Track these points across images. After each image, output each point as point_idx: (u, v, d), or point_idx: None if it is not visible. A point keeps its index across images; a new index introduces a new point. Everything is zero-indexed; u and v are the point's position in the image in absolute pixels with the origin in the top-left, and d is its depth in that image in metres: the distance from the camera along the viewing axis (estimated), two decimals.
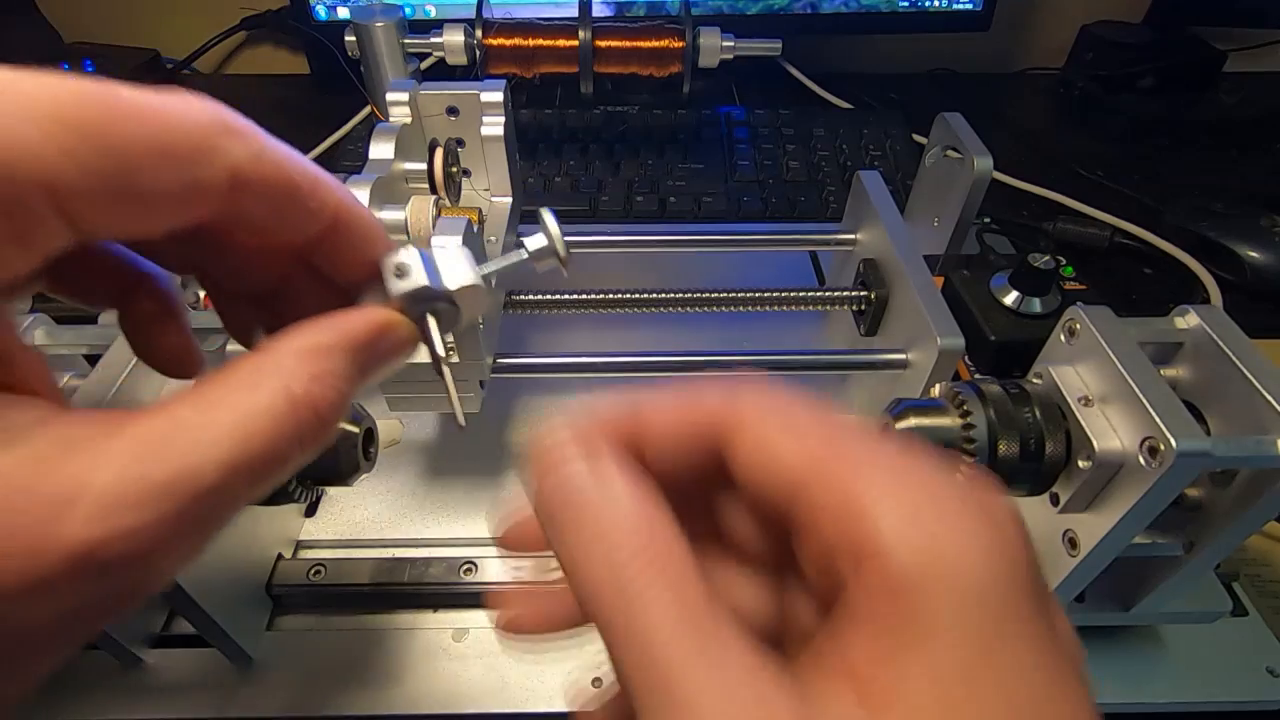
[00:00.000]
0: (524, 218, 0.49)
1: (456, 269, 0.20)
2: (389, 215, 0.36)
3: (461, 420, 0.23)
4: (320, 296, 0.20)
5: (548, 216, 0.22)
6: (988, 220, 0.62)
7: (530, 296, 0.41)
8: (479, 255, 0.27)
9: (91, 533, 0.13)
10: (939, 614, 0.13)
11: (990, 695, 0.13)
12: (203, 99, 0.16)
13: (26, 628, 0.13)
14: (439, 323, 0.21)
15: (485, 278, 0.21)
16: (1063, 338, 0.32)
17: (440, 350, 0.21)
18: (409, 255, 0.20)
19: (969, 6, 0.78)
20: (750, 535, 0.18)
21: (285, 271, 0.20)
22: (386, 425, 0.45)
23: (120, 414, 0.15)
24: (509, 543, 0.19)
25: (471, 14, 0.59)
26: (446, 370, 0.22)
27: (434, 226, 0.35)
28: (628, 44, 0.61)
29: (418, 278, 0.19)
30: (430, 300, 0.20)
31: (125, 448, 0.14)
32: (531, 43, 0.60)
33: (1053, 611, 0.14)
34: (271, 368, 0.16)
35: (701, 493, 0.18)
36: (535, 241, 0.23)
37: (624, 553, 0.14)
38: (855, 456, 0.15)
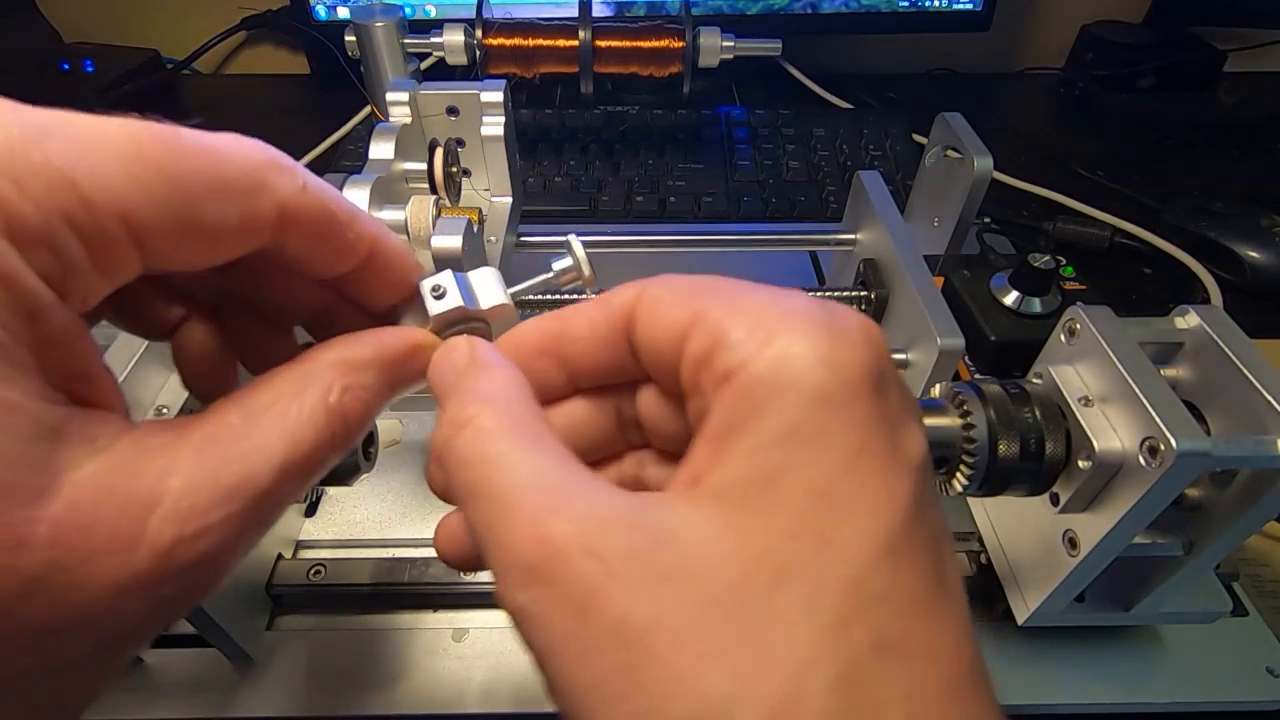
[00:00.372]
0: (524, 218, 0.49)
1: (488, 290, 0.22)
2: (389, 215, 0.36)
3: None
4: (353, 322, 0.21)
5: (575, 243, 0.24)
6: (988, 220, 0.62)
7: (534, 296, 0.41)
8: (480, 256, 0.27)
9: (173, 533, 0.14)
10: (768, 406, 0.15)
11: (793, 479, 0.14)
12: (252, 139, 0.17)
13: (121, 623, 0.14)
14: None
15: (514, 297, 0.23)
16: (1063, 338, 0.32)
17: None
18: (445, 278, 0.21)
19: (969, 6, 0.78)
20: (669, 427, 0.20)
21: (319, 302, 0.21)
22: (386, 425, 0.45)
23: (181, 422, 0.16)
24: (440, 544, 0.20)
25: (471, 14, 0.59)
26: None
27: (434, 226, 0.35)
28: (628, 44, 0.61)
29: (454, 298, 0.21)
30: (466, 320, 0.21)
31: (192, 454, 0.15)
32: (531, 43, 0.60)
33: (898, 420, 0.15)
34: (314, 378, 0.18)
35: (629, 393, 0.20)
36: (562, 264, 0.25)
37: (469, 395, 0.17)
38: (727, 302, 0.16)
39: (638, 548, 0.14)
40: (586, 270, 0.24)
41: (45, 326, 0.14)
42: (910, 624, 0.14)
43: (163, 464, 0.15)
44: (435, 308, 0.21)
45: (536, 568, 0.14)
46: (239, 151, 0.17)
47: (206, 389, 0.22)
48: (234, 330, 0.21)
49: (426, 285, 0.21)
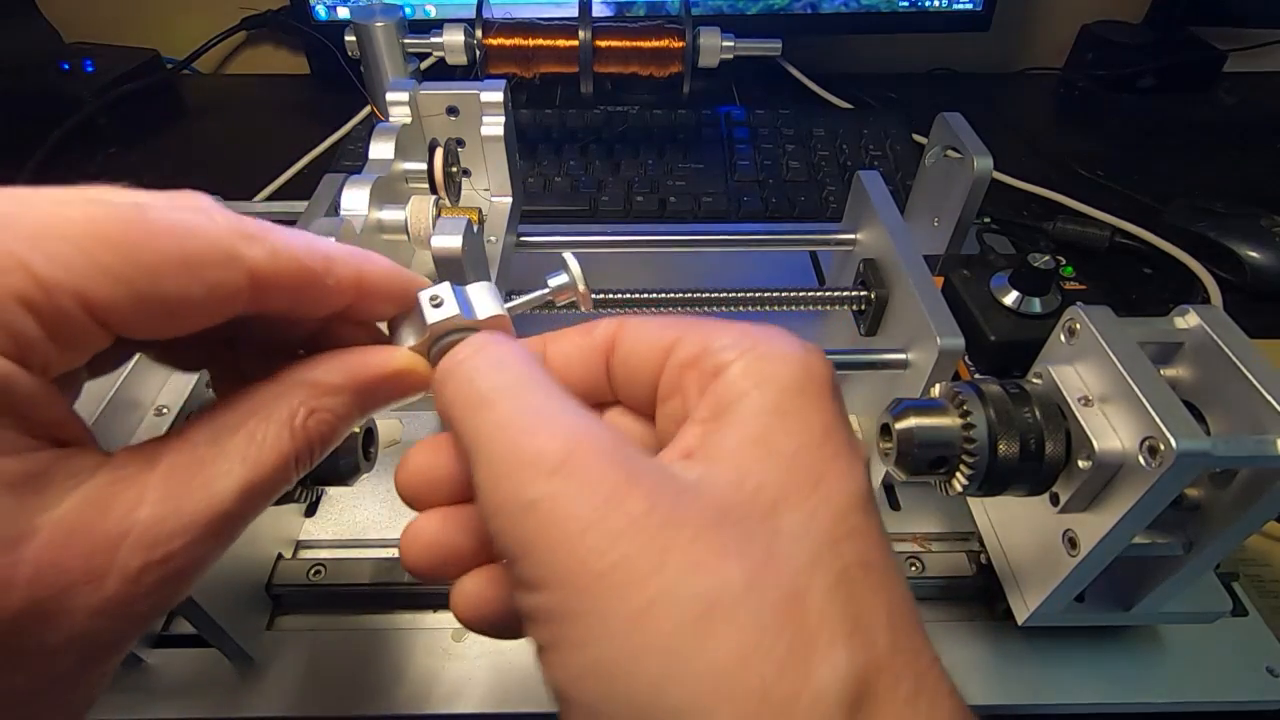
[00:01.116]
0: (524, 218, 0.49)
1: (485, 302, 0.22)
2: (389, 215, 0.36)
3: None
4: (351, 334, 0.22)
5: (570, 259, 0.25)
6: (988, 220, 0.62)
7: (526, 312, 0.41)
8: (480, 256, 0.27)
9: (140, 560, 0.16)
10: (751, 397, 0.18)
11: (782, 439, 0.17)
12: (222, 211, 0.18)
13: (99, 639, 0.16)
14: None
15: (510, 311, 0.23)
16: (1063, 338, 0.32)
17: None
18: (443, 290, 0.22)
19: (969, 6, 0.78)
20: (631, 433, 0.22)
21: (316, 329, 0.22)
22: (386, 425, 0.45)
23: (153, 447, 0.17)
24: (413, 551, 0.21)
25: (471, 14, 0.59)
26: None
27: (434, 226, 0.35)
28: (628, 44, 0.61)
29: (451, 308, 0.21)
30: (463, 330, 0.22)
31: (159, 484, 0.17)
32: (531, 43, 0.60)
33: (847, 423, 0.19)
34: (281, 400, 0.19)
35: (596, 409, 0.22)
36: (557, 280, 0.25)
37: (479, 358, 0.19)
38: (707, 325, 0.19)
39: (654, 467, 0.17)
40: (581, 287, 0.25)
41: (13, 394, 0.15)
42: (882, 555, 0.17)
43: (132, 496, 0.16)
44: (432, 316, 0.21)
45: (566, 460, 0.16)
46: (203, 225, 0.17)
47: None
48: (249, 351, 0.22)
49: (425, 296, 0.22)
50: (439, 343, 0.22)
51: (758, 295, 0.42)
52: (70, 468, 0.16)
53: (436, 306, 0.21)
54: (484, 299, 0.22)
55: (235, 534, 0.18)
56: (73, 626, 0.15)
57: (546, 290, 0.25)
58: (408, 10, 0.75)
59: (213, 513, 0.17)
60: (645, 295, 0.42)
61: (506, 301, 0.23)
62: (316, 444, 0.19)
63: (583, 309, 0.26)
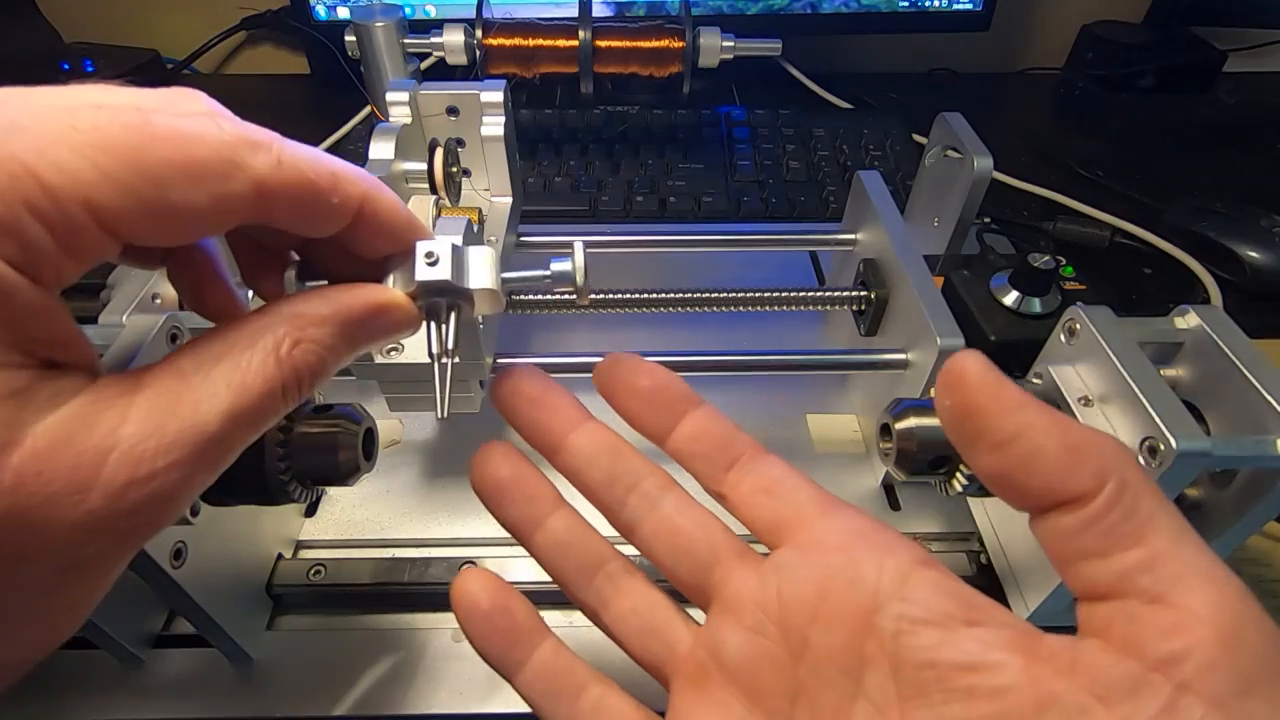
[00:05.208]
0: (524, 218, 0.49)
1: (482, 270, 0.22)
2: None
3: (442, 414, 0.24)
4: (350, 263, 0.22)
5: (579, 249, 0.25)
6: (988, 220, 0.62)
7: (530, 296, 0.41)
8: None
9: (125, 476, 0.16)
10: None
11: None
12: (228, 117, 0.18)
13: (80, 553, 0.16)
14: (457, 315, 0.22)
15: (504, 283, 0.23)
16: (1063, 338, 0.32)
17: (449, 343, 0.22)
18: (442, 246, 0.21)
19: (969, 6, 0.78)
20: None
21: (315, 248, 0.22)
22: (386, 425, 0.45)
23: (139, 373, 0.18)
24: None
25: (471, 14, 0.59)
26: (443, 364, 0.23)
27: (434, 226, 0.35)
28: (628, 44, 0.61)
29: (444, 270, 0.21)
30: (449, 293, 0.21)
31: (144, 403, 0.17)
32: (531, 43, 0.60)
33: None
34: (266, 329, 0.19)
35: None
36: (560, 266, 0.25)
37: None
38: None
39: None
40: (580, 280, 0.25)
41: (13, 305, 0.15)
42: None
43: (117, 414, 0.16)
44: (422, 273, 0.21)
45: None
46: (209, 133, 0.17)
47: (213, 315, 0.22)
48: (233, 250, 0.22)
49: (422, 248, 0.21)
50: (427, 299, 0.21)
51: (758, 295, 0.42)
52: (54, 388, 0.16)
53: (431, 264, 0.21)
54: (481, 266, 0.22)
55: (223, 461, 0.18)
56: (53, 537, 0.16)
57: (548, 273, 0.25)
58: (408, 10, 0.75)
59: (198, 435, 0.17)
60: (645, 295, 0.42)
61: (507, 272, 0.23)
62: (305, 374, 0.19)
63: (579, 302, 0.26)
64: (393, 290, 0.21)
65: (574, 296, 0.25)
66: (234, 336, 0.19)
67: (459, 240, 0.22)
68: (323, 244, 0.21)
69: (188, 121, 0.17)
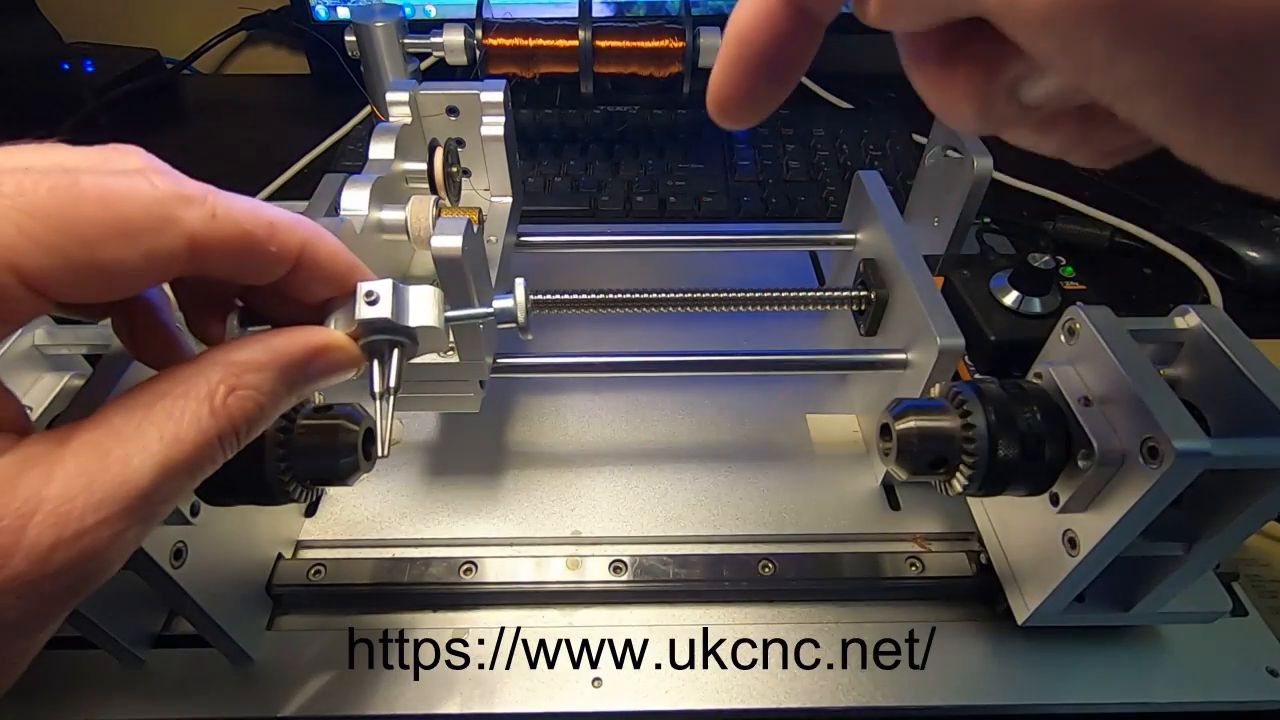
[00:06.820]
0: (524, 218, 0.49)
1: (423, 309, 0.22)
2: (389, 215, 0.36)
3: (384, 451, 0.24)
4: (292, 307, 0.22)
5: (519, 286, 0.25)
6: (988, 220, 0.62)
7: (530, 296, 0.41)
8: (480, 256, 0.27)
9: (50, 538, 0.16)
10: None
11: None
12: (162, 172, 0.18)
13: (6, 620, 0.16)
14: (400, 353, 0.23)
15: (447, 322, 0.23)
16: (1063, 338, 0.32)
17: (391, 382, 0.23)
18: (382, 286, 0.21)
19: None
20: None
21: (257, 293, 0.22)
22: None
23: (68, 429, 0.17)
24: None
25: (471, 14, 0.59)
26: (386, 402, 0.23)
27: (434, 226, 0.35)
28: (628, 44, 0.61)
29: (384, 309, 0.21)
30: (389, 331, 0.22)
31: (72, 460, 0.16)
32: (531, 43, 0.60)
33: None
34: (199, 378, 0.18)
35: None
36: (503, 303, 0.25)
37: None
38: None
39: None
40: (522, 317, 0.25)
41: None
42: None
43: (42, 473, 0.16)
44: (363, 312, 0.21)
45: None
46: (140, 190, 0.17)
47: (156, 361, 0.22)
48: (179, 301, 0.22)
49: (363, 288, 0.21)
50: (368, 340, 0.22)
51: (758, 295, 0.42)
52: None
53: (371, 303, 0.21)
54: (423, 305, 0.22)
55: (157, 514, 0.18)
56: None
57: (490, 310, 0.25)
58: (408, 10, 0.75)
59: (129, 491, 0.17)
60: (645, 295, 0.42)
61: (452, 310, 0.23)
62: (241, 422, 0.19)
63: (523, 338, 0.27)
64: (331, 331, 0.21)
65: (521, 334, 0.26)
66: (166, 386, 0.18)
67: (399, 282, 0.22)
68: (265, 289, 0.21)
69: (118, 180, 0.17)
